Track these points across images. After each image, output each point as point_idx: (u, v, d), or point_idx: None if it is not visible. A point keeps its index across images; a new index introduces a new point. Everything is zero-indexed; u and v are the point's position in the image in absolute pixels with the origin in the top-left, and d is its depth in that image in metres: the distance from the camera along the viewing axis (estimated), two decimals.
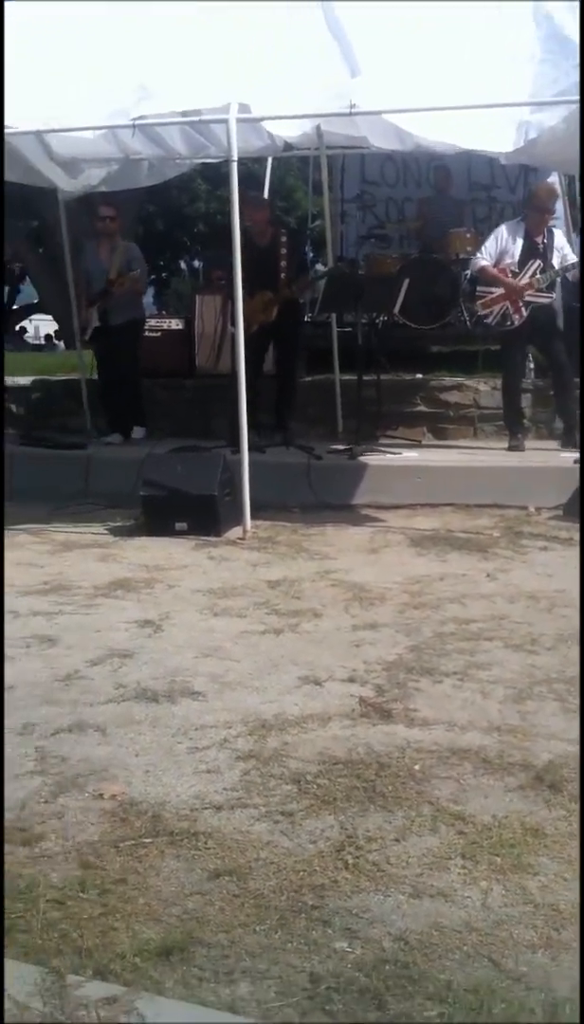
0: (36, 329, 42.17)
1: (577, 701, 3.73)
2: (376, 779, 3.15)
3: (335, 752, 3.35)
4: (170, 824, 2.91)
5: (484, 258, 8.27)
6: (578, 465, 7.16)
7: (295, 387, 8.95)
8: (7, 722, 3.68)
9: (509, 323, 8.13)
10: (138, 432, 9.46)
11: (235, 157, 6.70)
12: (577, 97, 6.09)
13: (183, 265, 36.91)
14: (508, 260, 8.16)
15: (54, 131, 7.62)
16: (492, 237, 8.39)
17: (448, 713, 3.66)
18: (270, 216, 9.07)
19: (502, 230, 8.35)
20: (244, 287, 6.87)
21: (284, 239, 8.60)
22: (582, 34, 6.53)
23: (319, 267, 14.11)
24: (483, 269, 8.26)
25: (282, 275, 8.39)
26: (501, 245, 8.22)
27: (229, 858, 2.73)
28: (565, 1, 6.60)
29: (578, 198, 10.46)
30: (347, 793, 3.07)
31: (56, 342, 29.87)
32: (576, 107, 6.15)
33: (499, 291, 8.13)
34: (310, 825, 2.89)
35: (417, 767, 3.23)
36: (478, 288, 8.41)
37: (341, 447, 8.37)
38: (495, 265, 8.20)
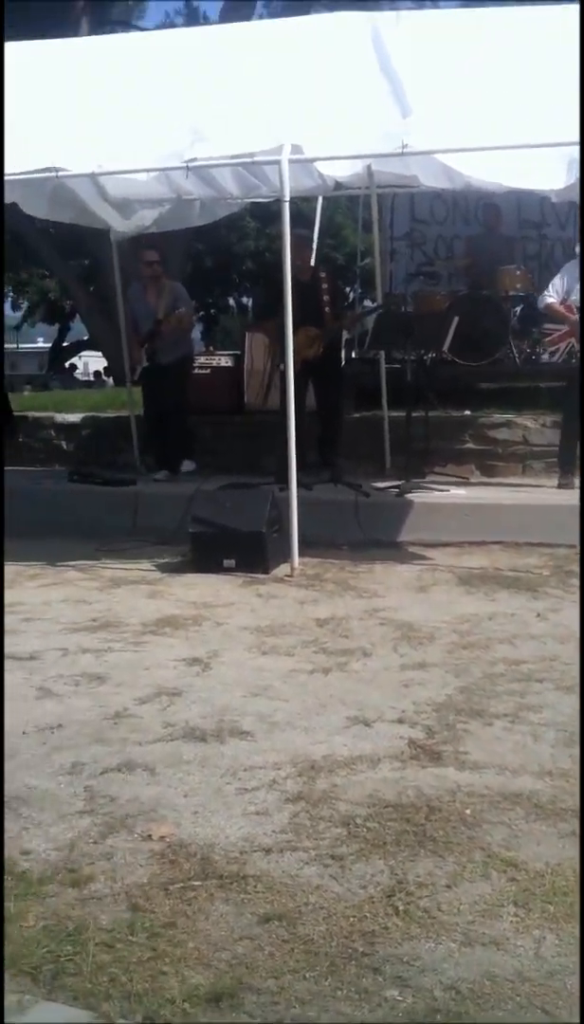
0: (85, 365, 42.68)
1: None
2: (427, 823, 3.12)
3: (385, 795, 3.32)
4: (219, 867, 2.90)
5: (551, 295, 8.27)
6: None
7: (339, 423, 8.95)
8: (57, 760, 3.69)
9: (574, 360, 8.11)
10: (187, 465, 9.43)
11: (287, 197, 6.75)
12: None
13: (231, 302, 37.24)
14: (574, 297, 8.15)
15: (108, 173, 7.71)
16: (559, 274, 8.38)
17: (499, 756, 3.62)
18: (312, 254, 9.15)
19: (570, 267, 8.34)
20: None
21: (324, 275, 8.71)
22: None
23: (367, 303, 14.18)
24: (550, 306, 8.25)
25: (326, 310, 8.43)
26: (568, 282, 8.20)
27: (279, 902, 2.71)
28: None
29: None
30: (397, 837, 3.04)
31: (105, 378, 30.13)
32: None
33: (565, 328, 8.11)
34: (360, 869, 2.87)
35: (468, 811, 3.19)
36: (545, 325, 8.39)
37: (389, 484, 8.35)
38: (562, 302, 8.19)
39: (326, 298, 8.48)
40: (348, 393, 9.45)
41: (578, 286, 8.16)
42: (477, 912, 2.64)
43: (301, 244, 8.98)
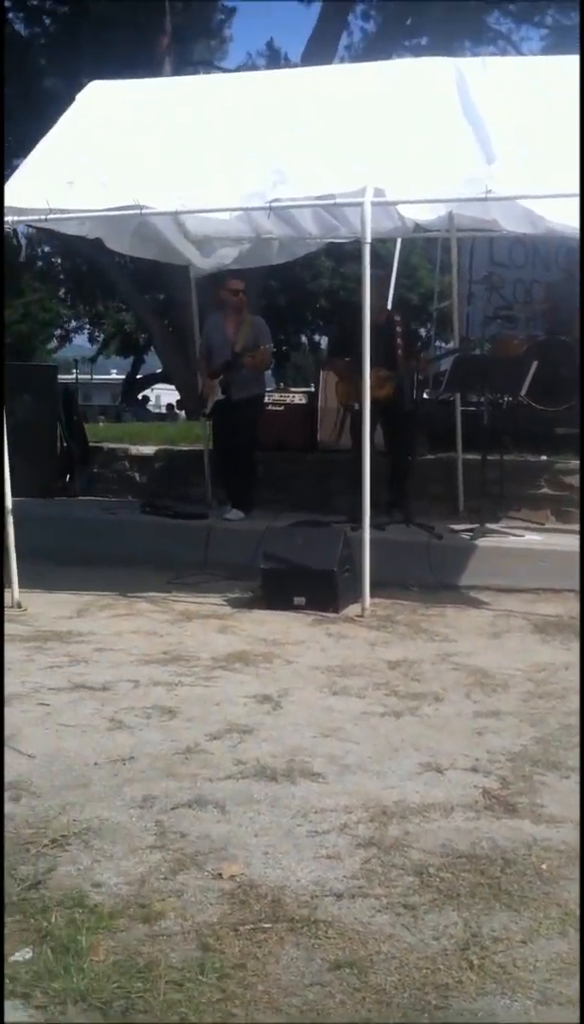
0: (158, 398, 43.14)
1: None
2: (501, 876, 3.07)
3: (458, 845, 3.28)
4: (290, 910, 2.87)
5: None
6: None
7: (407, 465, 8.92)
8: (128, 792, 3.69)
9: None
10: (235, 514, 9.03)
11: (368, 239, 6.78)
12: None
13: (304, 339, 37.44)
14: None
15: (191, 212, 7.81)
16: None
17: (576, 811, 3.55)
18: (389, 295, 9.18)
19: None
20: (353, 365, 6.92)
21: (398, 318, 8.75)
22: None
23: (440, 344, 14.18)
24: None
25: (398, 352, 8.45)
26: None
27: (350, 949, 2.68)
28: None
29: None
30: (471, 889, 2.99)
31: (177, 412, 30.43)
32: None
33: None
34: (433, 920, 2.83)
35: (544, 866, 3.13)
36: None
37: (462, 527, 8.30)
38: None
39: (399, 341, 8.50)
40: (419, 434, 9.40)
41: None
42: (553, 970, 2.59)
43: (379, 285, 9.01)
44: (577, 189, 6.63)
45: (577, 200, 6.88)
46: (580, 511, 7.65)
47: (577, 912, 2.86)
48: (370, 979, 2.55)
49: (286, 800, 3.65)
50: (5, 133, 21.07)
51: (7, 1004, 2.43)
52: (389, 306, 9.94)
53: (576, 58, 8.17)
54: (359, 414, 8.49)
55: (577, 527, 8.77)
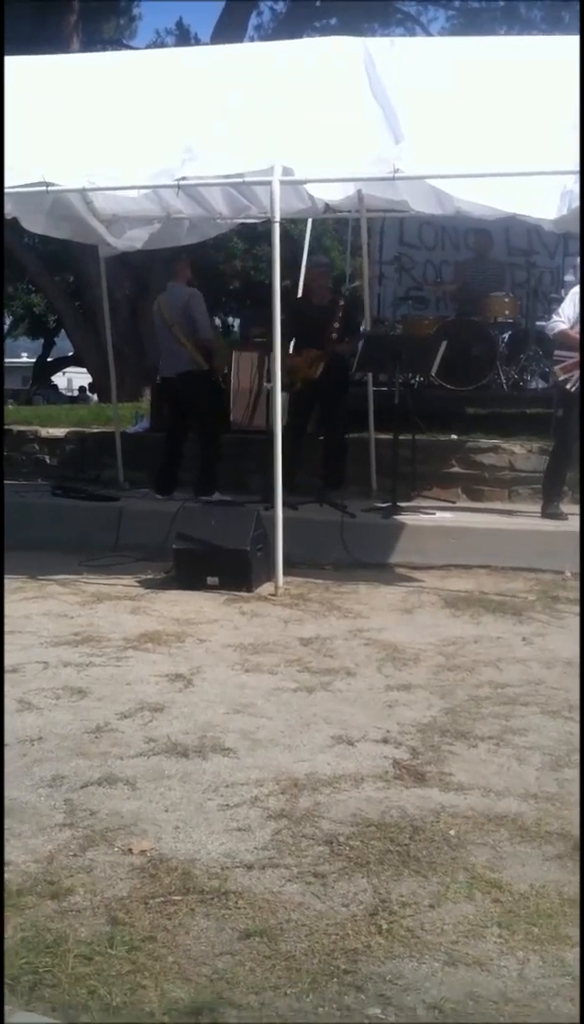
0: (69, 381, 42.64)
1: None
2: (410, 843, 3.10)
3: (368, 814, 3.30)
4: (200, 882, 2.87)
5: (563, 321, 8.09)
6: None
7: (344, 445, 8.98)
8: (38, 772, 3.66)
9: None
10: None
11: (278, 218, 6.77)
12: None
13: (218, 322, 37.28)
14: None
15: (99, 189, 7.72)
16: (569, 300, 8.15)
17: (484, 778, 3.61)
18: (331, 281, 9.24)
19: (576, 293, 8.13)
20: (292, 345, 6.93)
21: (341, 303, 8.78)
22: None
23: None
24: (564, 332, 8.03)
25: (333, 336, 8.48)
26: (578, 309, 8.03)
27: (260, 918, 2.69)
28: None
29: None
30: (380, 856, 3.02)
31: (89, 394, 30.13)
32: None
33: (577, 356, 7.87)
34: (343, 888, 2.84)
35: (452, 832, 3.17)
36: (556, 352, 8.25)
37: (375, 506, 8.35)
38: (571, 328, 8.00)
39: (336, 324, 8.53)
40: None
41: None
42: (461, 932, 2.62)
43: (322, 271, 9.36)
44: (486, 169, 6.70)
45: (484, 181, 6.97)
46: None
47: (485, 875, 2.90)
48: (280, 947, 2.56)
49: (197, 775, 3.64)
50: None
51: None
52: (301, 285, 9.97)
53: (483, 39, 8.27)
54: (297, 394, 8.57)
55: (488, 505, 8.90)
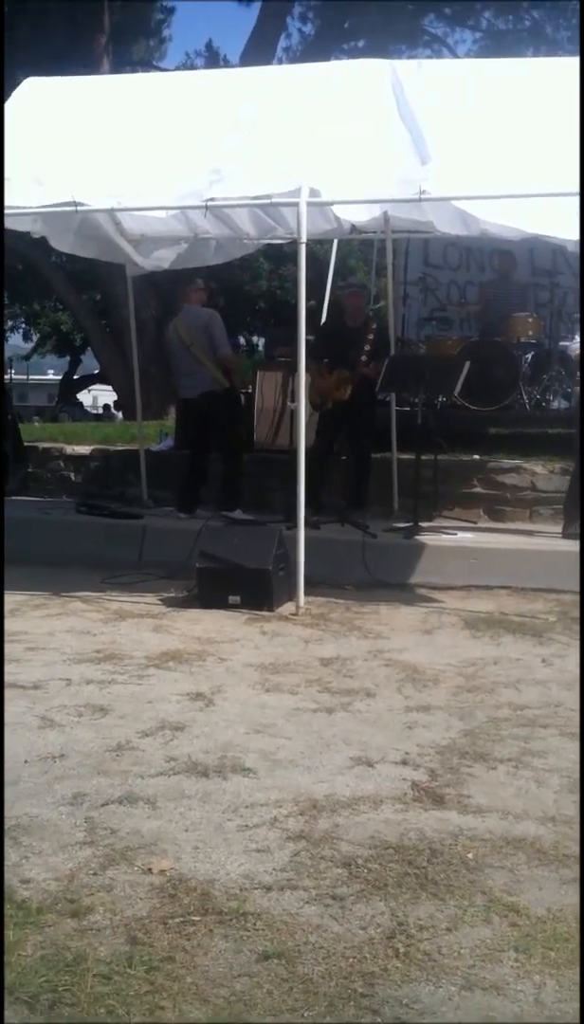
0: (94, 399, 42.90)
1: None
2: (428, 866, 3.10)
3: (387, 836, 3.31)
4: (219, 903, 2.88)
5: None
6: None
7: (369, 466, 9.05)
8: (59, 790, 3.68)
9: None
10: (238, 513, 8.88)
11: (304, 239, 6.81)
12: None
13: (242, 341, 37.42)
14: None
15: (128, 209, 7.79)
16: None
17: (502, 801, 3.61)
18: (365, 303, 9.31)
19: None
20: (322, 365, 6.98)
21: (374, 325, 8.88)
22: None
23: None
24: None
25: (362, 357, 8.53)
26: None
27: (278, 940, 2.70)
28: None
29: None
30: (399, 879, 3.02)
31: (114, 412, 30.27)
32: None
33: None
34: (360, 910, 2.85)
35: (470, 855, 3.18)
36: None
37: (397, 526, 8.37)
38: None
39: (367, 347, 8.61)
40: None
41: None
42: (478, 956, 2.63)
43: (357, 292, 9.50)
44: (512, 190, 6.72)
45: (509, 202, 6.99)
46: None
47: (503, 899, 2.90)
48: (297, 969, 2.57)
49: (217, 795, 3.66)
50: None
51: None
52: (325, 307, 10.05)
53: (510, 61, 8.31)
54: (326, 414, 8.64)
55: (510, 525, 8.90)
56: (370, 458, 9.09)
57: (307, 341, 6.89)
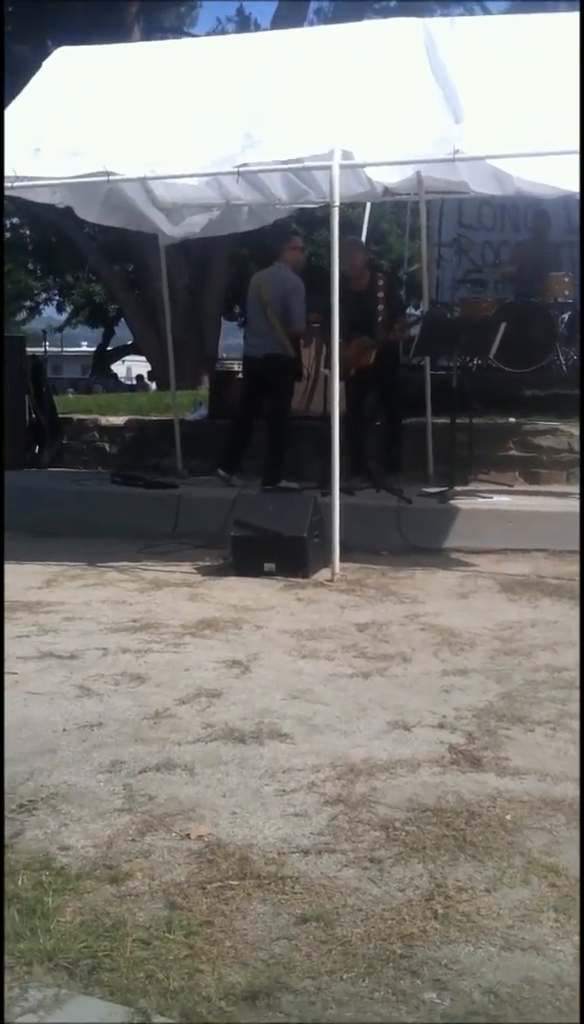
0: (128, 370, 42.93)
1: None
2: (466, 828, 3.09)
3: (424, 799, 3.30)
4: (257, 867, 2.89)
5: None
6: None
7: (400, 430, 8.95)
8: (97, 757, 3.70)
9: None
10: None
11: (337, 202, 6.73)
12: None
13: None
14: None
15: (160, 177, 7.74)
16: None
17: (540, 763, 3.59)
18: (367, 260, 9.09)
19: None
20: (341, 331, 6.88)
21: (381, 283, 8.48)
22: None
23: (411, 310, 14.16)
24: None
25: (379, 319, 8.36)
26: None
27: (316, 903, 2.70)
28: None
29: None
30: (436, 841, 3.01)
31: (148, 382, 30.30)
32: None
33: None
34: (398, 873, 2.85)
35: (508, 817, 3.16)
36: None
37: (432, 490, 8.32)
38: None
39: (381, 307, 8.36)
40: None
41: None
42: (516, 917, 2.62)
43: (354, 250, 8.82)
44: (547, 148, 6.62)
45: (543, 159, 6.88)
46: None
47: (541, 860, 2.89)
48: (336, 931, 2.57)
49: (254, 761, 3.66)
50: None
51: None
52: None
53: (543, 16, 8.16)
54: (351, 380, 8.52)
55: (546, 487, 8.83)
56: (401, 422, 9.00)
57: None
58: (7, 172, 7.01)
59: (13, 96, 7.92)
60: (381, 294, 8.34)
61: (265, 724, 4.02)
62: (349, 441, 8.28)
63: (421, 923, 2.60)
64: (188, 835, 3.09)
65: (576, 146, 6.32)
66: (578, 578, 6.49)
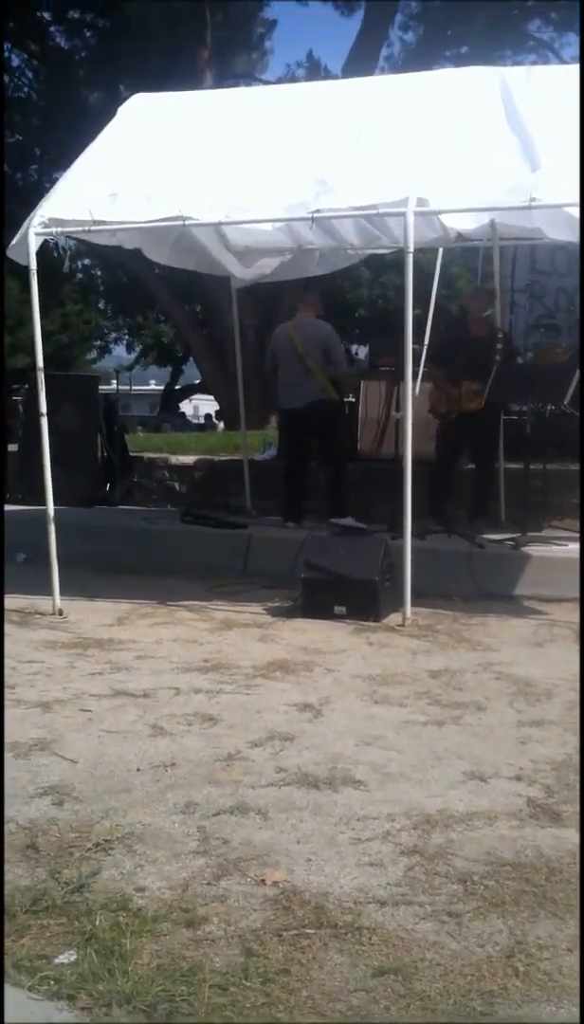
0: (196, 408, 43.29)
1: None
2: (546, 884, 3.04)
3: (503, 853, 3.25)
4: (333, 916, 2.86)
5: None
6: None
7: (492, 478, 9.03)
8: (171, 798, 3.70)
9: None
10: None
11: (411, 248, 6.76)
12: None
13: (343, 350, 37.41)
14: None
15: (235, 223, 7.83)
16: None
17: None
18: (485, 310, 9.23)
19: None
20: (450, 375, 6.91)
21: (500, 335, 8.72)
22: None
23: None
24: None
25: (494, 367, 8.42)
26: None
27: (394, 956, 2.66)
28: None
29: None
30: (516, 897, 2.97)
31: (216, 422, 30.51)
32: None
33: None
34: (478, 928, 2.81)
35: None
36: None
37: (504, 537, 8.27)
38: None
39: (498, 358, 8.46)
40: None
41: None
42: None
43: (482, 296, 9.22)
44: None
45: None
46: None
47: None
48: (415, 985, 2.53)
49: (328, 807, 3.63)
50: (46, 146, 21.33)
51: (53, 1005, 2.44)
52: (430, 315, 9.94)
53: None
54: (451, 422, 8.58)
55: None
56: (494, 470, 9.04)
57: (414, 350, 6.83)
58: (83, 216, 7.12)
59: (88, 142, 8.06)
60: (500, 345, 8.51)
61: (338, 770, 4.00)
62: (432, 483, 8.32)
63: (502, 980, 2.55)
64: (263, 880, 3.08)
65: None
66: None
